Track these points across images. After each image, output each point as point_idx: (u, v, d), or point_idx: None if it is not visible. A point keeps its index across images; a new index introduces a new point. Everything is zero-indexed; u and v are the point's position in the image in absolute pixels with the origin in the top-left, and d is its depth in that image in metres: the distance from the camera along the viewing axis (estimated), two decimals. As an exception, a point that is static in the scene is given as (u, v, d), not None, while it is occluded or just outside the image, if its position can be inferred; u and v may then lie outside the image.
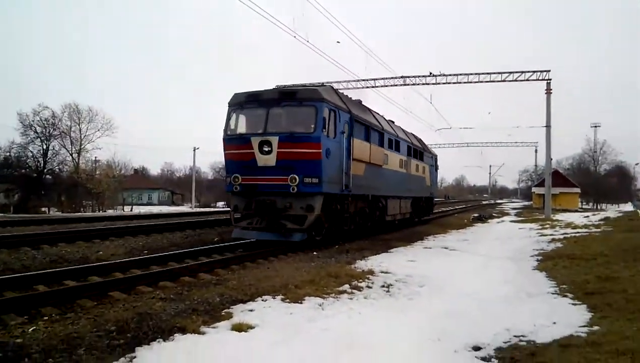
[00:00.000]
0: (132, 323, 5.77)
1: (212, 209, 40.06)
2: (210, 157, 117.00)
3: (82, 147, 49.85)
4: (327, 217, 13.22)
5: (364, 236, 16.34)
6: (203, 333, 5.56)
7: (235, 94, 13.49)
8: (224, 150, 13.32)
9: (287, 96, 12.79)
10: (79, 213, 30.91)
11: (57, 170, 45.93)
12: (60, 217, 23.65)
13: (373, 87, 34.58)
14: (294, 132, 12.21)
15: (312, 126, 12.19)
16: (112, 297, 7.28)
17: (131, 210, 41.50)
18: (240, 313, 6.40)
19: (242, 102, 13.22)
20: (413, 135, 24.37)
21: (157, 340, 5.26)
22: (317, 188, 12.26)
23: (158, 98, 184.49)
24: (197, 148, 57.30)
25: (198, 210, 37.70)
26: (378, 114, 18.39)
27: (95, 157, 52.22)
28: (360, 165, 14.70)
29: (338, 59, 45.93)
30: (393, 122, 20.65)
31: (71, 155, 49.31)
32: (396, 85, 34.53)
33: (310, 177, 12.18)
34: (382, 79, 34.51)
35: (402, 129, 21.92)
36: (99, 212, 37.13)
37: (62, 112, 49.15)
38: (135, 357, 4.75)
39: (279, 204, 12.40)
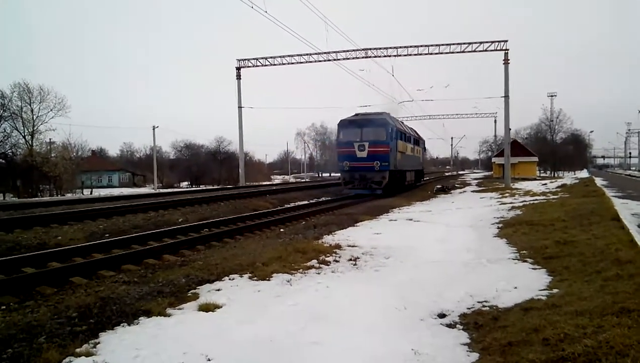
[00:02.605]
0: (94, 308, 5.63)
1: (175, 190, 39.29)
2: (171, 135, 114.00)
3: (35, 128, 47.70)
4: (390, 181, 25.07)
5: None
6: (169, 315, 5.48)
7: (342, 120, 26.17)
8: (338, 148, 26.48)
9: (370, 121, 25.31)
10: (36, 198, 29.72)
11: (10, 154, 43.88)
12: (16, 202, 22.67)
13: (335, 60, 34.35)
14: (376, 140, 24.50)
15: (384, 137, 24.73)
16: (73, 283, 7.08)
17: (91, 193, 40.23)
18: (207, 293, 6.34)
19: (346, 123, 25.83)
20: (413, 129, 36.70)
21: (122, 324, 5.17)
22: (386, 168, 24.56)
23: (113, 75, 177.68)
24: (157, 126, 55.77)
25: (161, 191, 36.89)
26: (401, 122, 32.41)
27: (50, 139, 50.03)
28: (399, 154, 26.99)
29: (298, 30, 45.25)
30: (404, 123, 33.77)
31: (24, 137, 47.15)
32: (358, 58, 34.41)
33: (382, 162, 24.45)
34: (344, 51, 34.32)
35: (409, 127, 35.12)
36: (57, 196, 35.82)
37: (11, 92, 46.68)
38: (99, 343, 4.66)
39: (368, 176, 24.55)
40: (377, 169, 24.26)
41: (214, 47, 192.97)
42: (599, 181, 31.83)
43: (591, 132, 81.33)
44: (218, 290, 6.51)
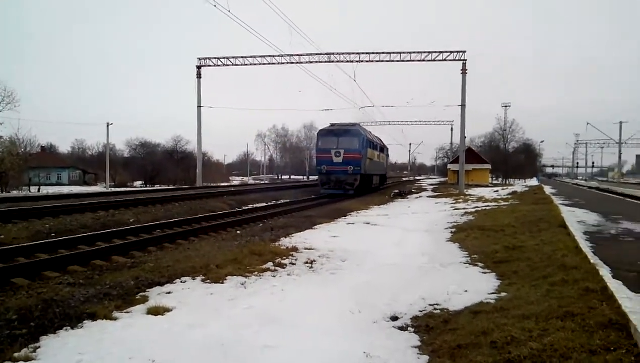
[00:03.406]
0: (36, 311, 5.39)
1: (128, 189, 38.10)
2: (125, 132, 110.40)
3: (-20, 122, 45.17)
4: (360, 183, 29.03)
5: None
6: (115, 318, 5.30)
7: (320, 129, 31.52)
8: (316, 154, 30.98)
9: (345, 131, 29.20)
10: (-23, 196, 28.09)
11: (-47, 148, 41.35)
12: (-46, 199, 21.35)
13: (298, 63, 34.32)
14: (350, 148, 28.40)
15: (357, 146, 28.73)
16: (14, 284, 6.74)
17: (38, 191, 38.46)
18: (156, 296, 6.16)
19: (324, 133, 30.10)
20: (379, 138, 41.07)
21: (65, 328, 4.96)
22: (358, 172, 28.50)
23: (66, 70, 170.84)
24: (111, 123, 54.03)
25: (113, 190, 35.68)
26: (369, 132, 35.76)
27: (-4, 133, 47.50)
28: (368, 160, 30.78)
29: (262, 32, 44.99)
30: (371, 133, 36.74)
31: (-32, 131, 44.59)
32: (321, 62, 34.53)
33: (355, 166, 28.28)
34: (307, 55, 34.36)
35: (376, 136, 39.30)
36: (1, 193, 34.03)
37: (-46, 83, 44.00)
38: (39, 347, 4.45)
39: (342, 178, 28.35)
40: (350, 173, 28.43)
41: (175, 46, 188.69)
42: (547, 189, 33.18)
43: (542, 141, 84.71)
44: (168, 292, 6.34)
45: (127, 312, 5.51)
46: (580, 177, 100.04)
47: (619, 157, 69.39)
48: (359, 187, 29.07)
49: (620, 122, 62.11)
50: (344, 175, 28.31)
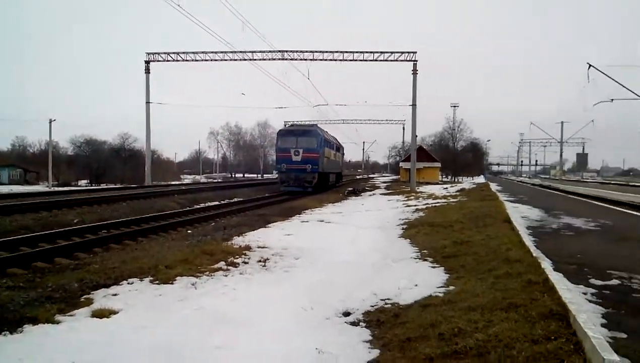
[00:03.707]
0: (-28, 317, 5.06)
1: (73, 188, 36.50)
2: (69, 129, 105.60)
3: None
4: (318, 181, 30.79)
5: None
6: (58, 322, 5.08)
7: (280, 129, 34.65)
8: (277, 153, 31.88)
9: (304, 132, 31.27)
10: None
11: None
12: None
13: (251, 60, 33.98)
14: (309, 148, 29.96)
15: (315, 145, 30.38)
16: (-54, 290, 6.29)
17: (-27, 191, 36.16)
18: (102, 298, 5.94)
19: (284, 133, 32.12)
20: (335, 138, 42.86)
21: (3, 333, 4.74)
22: (316, 170, 30.10)
23: (5, 63, 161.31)
24: (54, 120, 51.55)
25: (56, 189, 34.05)
26: (326, 132, 37.69)
27: None
28: (326, 159, 32.72)
29: (213, 27, 44.20)
30: (328, 133, 38.69)
31: None
32: (274, 59, 34.32)
33: (313, 165, 29.79)
34: (260, 52, 34.05)
35: (332, 136, 41.05)
36: None
37: None
38: (-28, 355, 4.16)
39: (301, 176, 29.75)
40: (309, 171, 30.13)
41: (123, 40, 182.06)
42: (493, 186, 34.52)
43: (488, 141, 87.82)
44: (115, 295, 6.12)
45: (71, 316, 5.29)
46: (525, 175, 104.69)
47: (561, 156, 72.83)
48: (317, 185, 30.87)
49: (562, 122, 65.18)
50: (303, 173, 29.95)
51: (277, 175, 32.52)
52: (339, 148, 43.13)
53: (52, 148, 54.19)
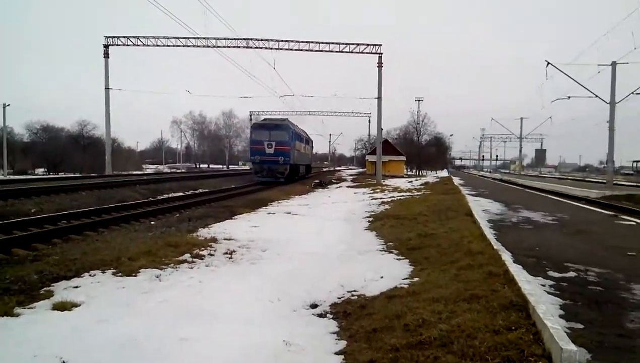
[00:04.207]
0: None
1: (29, 177, 35.14)
2: (24, 114, 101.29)
3: None
4: (290, 172, 33.05)
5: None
6: (17, 315, 4.91)
7: (254, 123, 43.95)
8: (250, 145, 34.08)
9: (277, 126, 33.11)
10: None
11: None
12: None
13: (215, 47, 33.41)
14: (281, 140, 32.15)
15: (287, 138, 32.72)
16: None
17: None
18: (62, 291, 5.76)
19: (257, 126, 34.89)
20: (305, 131, 45.34)
21: (-42, 326, 4.50)
22: (288, 162, 32.48)
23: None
24: (8, 105, 49.50)
25: (11, 177, 32.68)
26: (296, 126, 38.93)
27: None
28: (297, 152, 35.24)
29: (175, 12, 43.14)
30: (298, 126, 39.88)
31: None
32: (239, 47, 33.87)
33: (285, 157, 31.97)
34: (225, 39, 33.54)
35: (302, 130, 43.32)
36: None
37: None
38: None
39: (274, 168, 32.12)
40: (281, 163, 32.31)
41: (81, 23, 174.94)
42: (456, 180, 35.31)
43: (451, 135, 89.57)
44: (76, 287, 5.94)
45: (31, 308, 5.12)
46: (486, 170, 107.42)
47: (520, 151, 74.97)
48: (289, 176, 33.30)
49: (522, 118, 67.13)
50: (275, 165, 32.23)
51: (241, 166, 36.29)
52: (308, 141, 45.96)
53: (7, 134, 51.93)
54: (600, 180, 41.31)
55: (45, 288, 5.90)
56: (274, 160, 32.15)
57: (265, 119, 36.19)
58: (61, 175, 41.30)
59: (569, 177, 61.29)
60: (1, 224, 9.95)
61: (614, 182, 28.90)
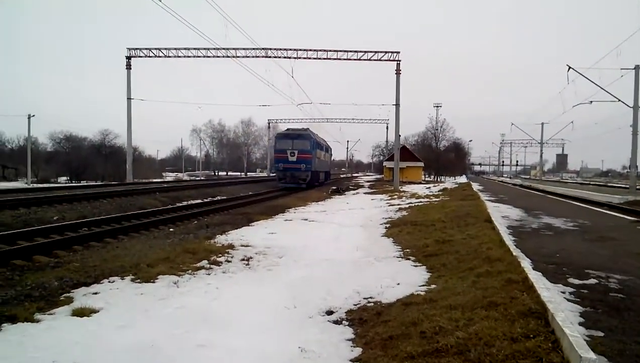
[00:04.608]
0: (-52, 316, 4.96)
1: (52, 185, 35.87)
2: (49, 125, 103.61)
3: None
4: (311, 178, 34.96)
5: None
6: (38, 321, 5.01)
7: (278, 133, 39.97)
8: (275, 154, 36.83)
9: (299, 135, 35.03)
10: None
11: None
12: None
13: (234, 57, 33.79)
14: (303, 149, 34.17)
15: (309, 147, 34.68)
16: None
17: (-51, 187, 35.27)
18: (82, 297, 5.86)
19: (281, 136, 36.32)
20: (323, 139, 46.99)
21: (-19, 332, 4.62)
22: (309, 169, 34.39)
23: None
24: (33, 115, 50.69)
25: (35, 186, 33.43)
26: (317, 135, 41.13)
27: None
28: (317, 159, 37.31)
29: (196, 24, 43.85)
30: (318, 135, 42.21)
31: None
32: (258, 57, 34.21)
33: (307, 165, 34.01)
34: (244, 49, 33.91)
35: (322, 138, 45.58)
36: None
37: None
38: (-51, 355, 4.07)
39: (296, 174, 34.00)
40: (303, 170, 34.39)
41: (104, 36, 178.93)
42: (475, 186, 34.92)
43: (470, 141, 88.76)
44: (95, 293, 6.04)
45: (51, 314, 5.22)
46: (506, 175, 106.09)
47: (541, 156, 73.89)
48: (310, 181, 35.38)
49: (542, 123, 66.32)
50: (298, 171, 34.35)
51: (259, 173, 35.54)
52: (327, 149, 48.64)
53: (31, 144, 53.19)
54: (623, 185, 40.40)
55: (65, 295, 6.01)
56: (296, 167, 34.10)
57: (288, 129, 37.71)
58: (83, 183, 42.09)
59: (591, 183, 60.12)
60: (24, 232, 10.18)
61: (638, 187, 28.22)
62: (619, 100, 28.34)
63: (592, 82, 28.12)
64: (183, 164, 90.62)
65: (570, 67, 27.89)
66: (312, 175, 35.32)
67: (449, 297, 5.30)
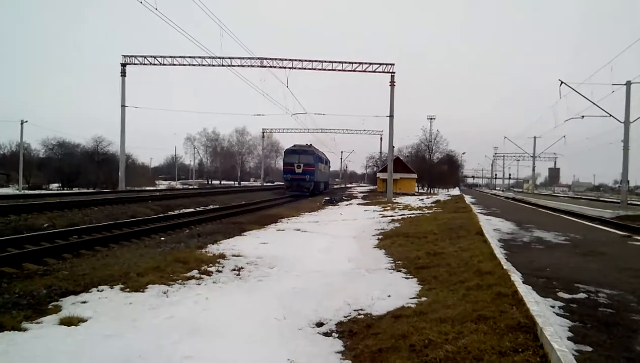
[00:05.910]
0: None
1: (44, 192, 35.62)
2: (41, 131, 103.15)
3: None
4: (313, 188, 42.79)
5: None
6: (24, 329, 4.95)
7: (287, 149, 45.23)
8: (283, 166, 44.45)
9: (304, 151, 43.14)
10: None
11: None
12: None
13: (230, 66, 33.91)
14: (307, 163, 42.25)
15: (312, 161, 42.85)
16: None
17: (-62, 193, 34.90)
18: (70, 306, 5.80)
19: (289, 151, 43.65)
20: (323, 153, 53.61)
21: (-34, 340, 4.55)
22: (312, 180, 42.53)
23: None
24: (26, 121, 50.49)
25: (27, 192, 33.17)
26: (318, 149, 48.42)
27: None
28: (318, 171, 44.94)
29: (191, 32, 44.10)
30: (318, 150, 48.88)
31: None
32: (253, 66, 34.36)
33: (311, 176, 42.13)
34: (239, 58, 34.06)
35: (322, 152, 52.74)
36: None
37: None
38: None
39: (302, 184, 41.68)
40: (307, 180, 41.26)
41: (99, 43, 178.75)
42: (468, 199, 35.08)
43: (463, 153, 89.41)
44: (84, 302, 5.98)
45: (38, 323, 5.16)
46: (498, 188, 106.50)
47: (533, 170, 74.44)
48: (313, 190, 42.00)
49: (535, 137, 66.90)
50: (303, 181, 41.31)
51: (253, 183, 41.21)
52: (327, 162, 56.66)
53: (24, 150, 52.86)
54: (614, 200, 40.70)
55: (53, 303, 5.95)
56: (301, 178, 41.33)
57: (294, 145, 43.91)
58: (75, 190, 41.79)
59: (583, 197, 60.52)
60: (13, 239, 10.09)
61: (629, 201, 28.45)
62: (611, 115, 28.67)
63: (584, 97, 28.47)
64: (177, 172, 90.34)
65: (562, 82, 28.24)
66: (314, 184, 42.19)
67: (439, 310, 5.30)
